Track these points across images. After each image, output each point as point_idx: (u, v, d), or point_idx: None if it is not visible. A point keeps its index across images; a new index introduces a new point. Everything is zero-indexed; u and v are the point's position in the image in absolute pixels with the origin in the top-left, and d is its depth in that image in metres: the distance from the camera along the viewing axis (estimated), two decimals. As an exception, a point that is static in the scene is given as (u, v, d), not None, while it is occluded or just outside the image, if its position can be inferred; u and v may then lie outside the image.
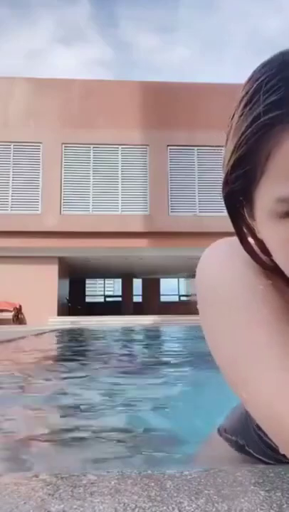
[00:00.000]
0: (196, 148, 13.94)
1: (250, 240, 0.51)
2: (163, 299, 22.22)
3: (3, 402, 2.08)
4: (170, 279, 22.26)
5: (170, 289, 22.38)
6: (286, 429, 0.41)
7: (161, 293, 22.46)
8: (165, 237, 13.08)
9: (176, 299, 22.25)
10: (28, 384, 2.74)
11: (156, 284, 22.29)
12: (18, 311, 13.64)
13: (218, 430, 0.78)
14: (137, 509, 0.40)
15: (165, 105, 14.00)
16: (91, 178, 14.21)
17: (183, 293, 22.69)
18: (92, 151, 14.26)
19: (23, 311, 13.83)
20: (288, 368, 0.43)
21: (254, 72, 0.42)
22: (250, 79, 0.43)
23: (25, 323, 13.48)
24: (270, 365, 0.44)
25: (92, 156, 14.26)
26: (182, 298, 22.44)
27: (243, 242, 0.51)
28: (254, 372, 0.45)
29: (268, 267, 0.51)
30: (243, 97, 0.42)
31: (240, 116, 0.42)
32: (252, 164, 0.43)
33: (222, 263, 0.54)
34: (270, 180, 0.41)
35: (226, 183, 0.47)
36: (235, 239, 0.52)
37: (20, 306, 13.71)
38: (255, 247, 0.51)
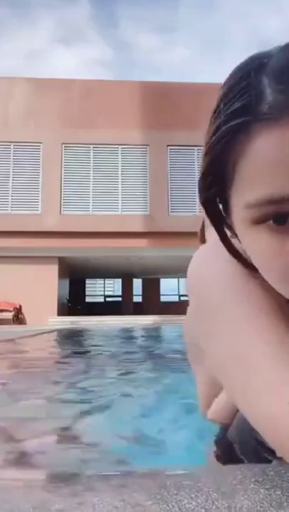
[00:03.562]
0: (196, 148, 13.94)
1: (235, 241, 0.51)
2: (163, 299, 22.21)
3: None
4: (170, 279, 22.26)
5: (170, 289, 22.37)
6: (281, 430, 0.41)
7: (162, 293, 22.46)
8: (165, 237, 13.08)
9: (176, 299, 22.24)
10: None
11: (157, 284, 22.29)
12: (18, 311, 13.64)
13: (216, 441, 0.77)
14: (136, 507, 0.41)
15: (165, 105, 14.00)
16: (91, 178, 14.21)
17: (183, 293, 22.67)
18: (92, 151, 14.26)
19: (23, 311, 13.83)
20: (278, 367, 0.42)
21: (229, 75, 0.42)
22: (223, 83, 0.42)
23: (25, 324, 13.48)
24: (261, 366, 0.43)
25: (92, 156, 14.26)
26: (182, 298, 22.43)
27: (225, 244, 0.50)
28: (244, 373, 0.44)
29: (253, 267, 0.49)
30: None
31: (209, 123, 0.42)
32: (221, 172, 0.42)
33: (209, 267, 0.53)
34: (238, 188, 0.41)
35: (201, 189, 0.47)
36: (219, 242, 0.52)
37: (20, 306, 13.71)
38: (240, 248, 0.50)
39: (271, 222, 0.39)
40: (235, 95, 0.39)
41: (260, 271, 0.45)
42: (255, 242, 0.42)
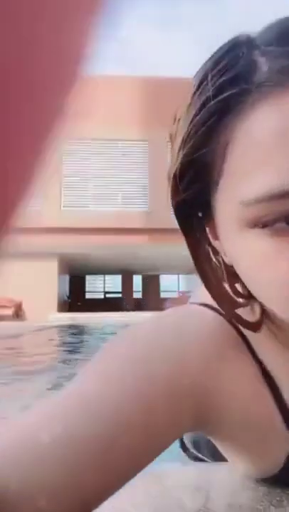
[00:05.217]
0: (196, 144, 13.91)
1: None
2: (163, 295, 22.23)
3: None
4: (170, 276, 22.27)
5: (170, 285, 22.39)
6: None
7: (162, 289, 22.47)
8: (165, 233, 13.08)
9: (176, 295, 22.27)
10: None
11: (157, 280, 22.30)
12: (17, 308, 13.65)
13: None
14: (137, 506, 0.40)
15: (165, 101, 13.95)
16: (91, 173, 14.19)
17: (183, 289, 22.71)
18: (91, 147, 14.24)
19: (22, 307, 13.85)
20: None
21: (209, 56, 0.34)
22: (202, 65, 0.35)
23: (25, 320, 13.50)
24: None
25: (92, 152, 14.24)
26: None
27: (201, 273, 0.39)
28: None
29: (240, 319, 0.38)
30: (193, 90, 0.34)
31: (188, 106, 0.34)
32: (206, 162, 0.34)
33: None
34: (231, 180, 0.32)
35: (174, 191, 0.37)
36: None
37: (19, 302, 13.72)
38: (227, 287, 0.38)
39: (283, 223, 0.30)
40: (224, 67, 0.32)
41: (257, 296, 0.36)
42: (253, 251, 0.33)
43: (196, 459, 0.67)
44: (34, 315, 13.44)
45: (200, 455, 0.66)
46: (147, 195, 13.93)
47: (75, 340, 6.78)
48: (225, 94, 0.31)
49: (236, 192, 0.32)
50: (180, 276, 22.40)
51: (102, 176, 14.26)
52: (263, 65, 0.31)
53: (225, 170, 0.33)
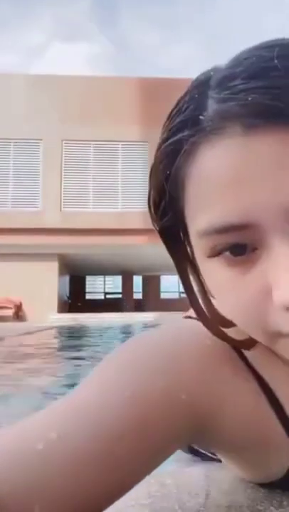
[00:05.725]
0: (196, 145, 13.90)
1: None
2: (163, 296, 22.22)
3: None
4: (170, 276, 22.26)
5: (170, 285, 22.38)
6: None
7: (162, 290, 22.46)
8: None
9: (176, 296, 22.25)
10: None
11: (157, 281, 22.30)
12: (18, 308, 13.64)
13: None
14: (137, 506, 0.40)
15: (165, 102, 13.85)
16: (91, 174, 14.19)
17: (183, 290, 22.69)
18: (92, 148, 14.23)
19: (23, 308, 13.84)
20: None
21: None
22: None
23: (25, 320, 13.49)
24: None
25: (92, 153, 14.23)
26: (182, 295, 22.43)
27: (188, 293, 0.41)
28: None
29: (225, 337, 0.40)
30: None
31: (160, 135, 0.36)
32: (172, 193, 0.36)
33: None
34: (189, 212, 0.35)
35: (153, 218, 0.39)
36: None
37: (20, 303, 13.72)
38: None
39: (228, 253, 0.33)
40: (179, 110, 0.34)
41: (218, 307, 0.39)
42: (212, 275, 0.35)
43: (193, 451, 0.67)
44: (34, 315, 13.44)
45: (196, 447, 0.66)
46: (147, 196, 13.90)
47: (75, 340, 6.78)
48: (176, 137, 0.33)
49: (194, 226, 0.34)
50: (180, 276, 22.36)
51: (102, 176, 14.26)
52: (210, 108, 0.32)
53: (186, 201, 0.35)
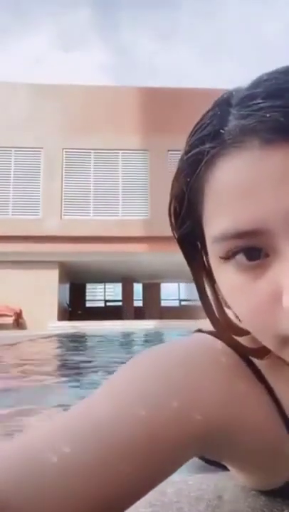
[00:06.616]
0: (196, 153, 13.95)
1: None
2: (164, 303, 22.17)
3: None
4: (171, 284, 22.23)
5: (171, 293, 22.34)
6: None
7: (162, 297, 22.42)
8: (166, 241, 13.09)
9: (176, 303, 22.21)
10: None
11: (157, 288, 22.26)
12: (18, 316, 13.61)
13: None
14: (137, 514, 0.40)
15: (165, 110, 14.05)
16: (92, 183, 14.24)
17: (183, 298, 22.66)
18: (92, 156, 14.30)
19: (23, 316, 13.81)
20: None
21: None
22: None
23: (25, 328, 13.46)
24: None
25: (92, 161, 14.29)
26: (183, 303, 22.39)
27: (203, 301, 0.42)
28: None
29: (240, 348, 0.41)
30: None
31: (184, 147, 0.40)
32: (193, 201, 0.39)
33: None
34: (207, 219, 0.37)
35: (173, 226, 0.42)
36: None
37: (20, 310, 13.69)
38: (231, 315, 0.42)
39: (241, 256, 0.34)
40: (201, 126, 0.38)
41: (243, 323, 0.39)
42: (225, 280, 0.37)
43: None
44: (34, 323, 13.41)
45: None
46: (148, 204, 13.94)
47: (75, 348, 6.75)
48: (198, 149, 0.37)
49: (211, 232, 0.37)
50: (180, 284, 22.37)
51: (103, 184, 14.30)
52: (231, 123, 0.35)
53: (204, 207, 0.37)
